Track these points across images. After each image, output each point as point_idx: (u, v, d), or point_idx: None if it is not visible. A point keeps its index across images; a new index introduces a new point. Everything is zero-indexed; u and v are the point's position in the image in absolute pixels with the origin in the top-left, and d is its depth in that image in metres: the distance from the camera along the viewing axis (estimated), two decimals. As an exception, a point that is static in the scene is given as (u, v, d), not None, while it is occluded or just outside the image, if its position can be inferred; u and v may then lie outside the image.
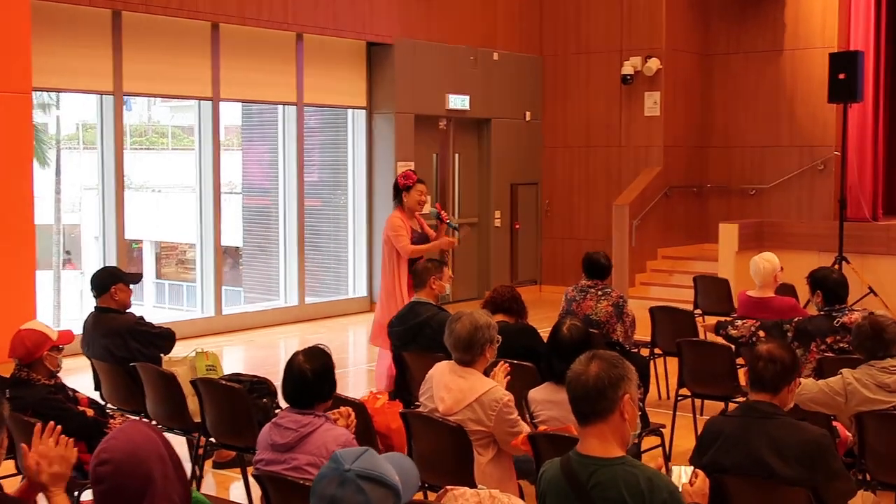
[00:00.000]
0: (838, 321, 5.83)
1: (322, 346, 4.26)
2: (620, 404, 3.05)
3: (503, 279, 14.41)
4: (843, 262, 12.07)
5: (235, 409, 5.41)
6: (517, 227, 14.71)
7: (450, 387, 4.69)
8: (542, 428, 4.58)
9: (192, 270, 16.04)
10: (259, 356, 10.66)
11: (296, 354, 4.16)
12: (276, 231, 12.75)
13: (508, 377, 4.81)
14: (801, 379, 4.06)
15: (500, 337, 4.86)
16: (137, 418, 4.39)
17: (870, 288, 12.13)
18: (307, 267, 12.56)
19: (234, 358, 10.39)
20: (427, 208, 8.02)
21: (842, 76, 12.15)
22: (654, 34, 14.06)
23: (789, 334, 5.94)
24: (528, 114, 14.74)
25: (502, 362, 4.94)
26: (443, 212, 7.99)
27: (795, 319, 6.06)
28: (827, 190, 13.77)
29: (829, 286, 5.98)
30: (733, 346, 6.44)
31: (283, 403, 4.38)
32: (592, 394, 3.04)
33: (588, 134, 14.70)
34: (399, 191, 7.76)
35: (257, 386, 5.87)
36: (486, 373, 4.84)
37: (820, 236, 12.86)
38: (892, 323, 4.78)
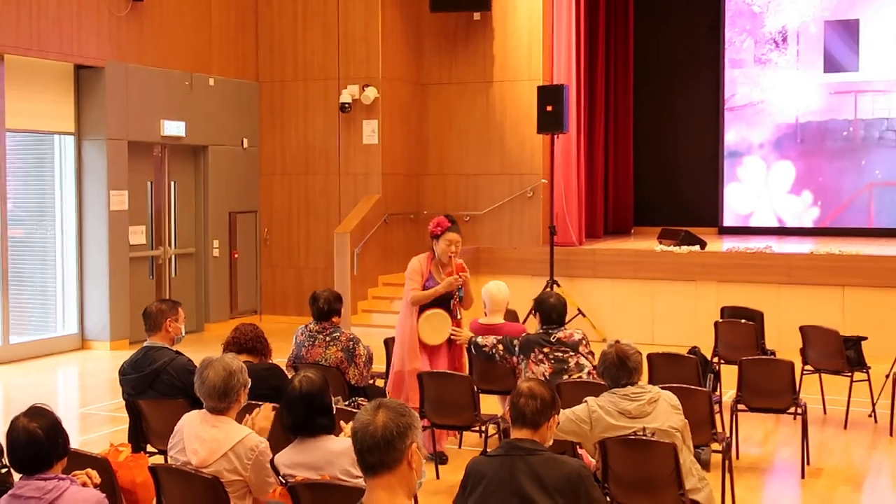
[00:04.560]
0: (554, 336, 6.61)
1: (39, 405, 3.98)
2: (408, 453, 3.00)
3: (223, 310, 14.10)
4: (555, 286, 12.70)
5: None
6: (236, 256, 14.41)
7: (203, 437, 4.49)
8: (299, 478, 4.45)
9: None
10: (-40, 404, 9.79)
11: (16, 419, 3.88)
12: (-27, 265, 11.79)
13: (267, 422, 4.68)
14: (559, 417, 4.19)
15: (250, 380, 4.73)
16: None
17: (578, 310, 12.81)
18: (11, 303, 11.69)
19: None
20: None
21: (549, 108, 12.83)
22: (370, 63, 14.24)
23: (517, 347, 6.72)
24: (245, 141, 14.51)
25: (265, 406, 4.78)
26: (459, 269, 7.27)
27: (523, 335, 6.86)
28: (536, 216, 14.44)
29: (545, 309, 6.76)
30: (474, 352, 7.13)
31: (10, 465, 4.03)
32: (381, 444, 2.97)
33: (307, 161, 14.66)
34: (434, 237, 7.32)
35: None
36: (239, 419, 4.68)
37: (532, 261, 13.48)
38: (636, 352, 5.04)
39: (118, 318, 12.33)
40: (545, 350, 6.57)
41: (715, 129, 16.88)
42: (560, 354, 6.55)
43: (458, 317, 7.41)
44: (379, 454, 2.98)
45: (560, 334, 6.61)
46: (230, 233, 14.33)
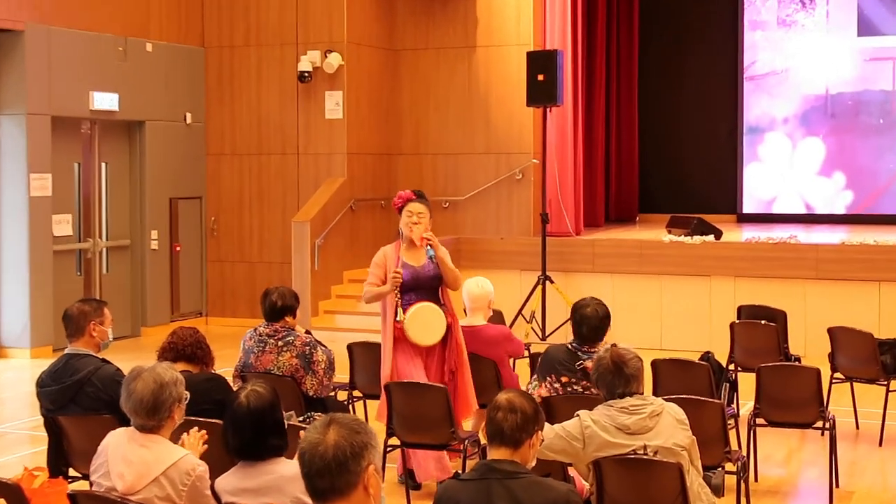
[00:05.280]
0: (581, 363, 6.15)
1: None
2: (364, 477, 2.96)
3: (162, 312, 14.05)
4: (548, 282, 12.70)
5: None
6: (177, 249, 14.36)
7: (130, 459, 4.45)
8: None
9: None
10: None
11: None
12: None
13: (205, 446, 4.64)
14: (542, 433, 4.15)
15: (188, 394, 4.69)
16: None
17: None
18: (-86, 305, 11.65)
19: None
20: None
21: (541, 77, 12.81)
22: (334, 26, 14.19)
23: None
24: (188, 115, 14.46)
25: (196, 429, 4.75)
26: (426, 237, 7.05)
27: (546, 348, 6.47)
28: (526, 201, 14.43)
29: (575, 320, 6.31)
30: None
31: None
32: (332, 467, 2.93)
33: (260, 139, 14.61)
34: None
35: None
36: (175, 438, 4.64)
37: (521, 254, 13.47)
38: (635, 357, 4.99)
39: (39, 322, 12.25)
40: (563, 379, 6.15)
41: (733, 101, 16.90)
42: (579, 388, 6.11)
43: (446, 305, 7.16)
44: (330, 478, 2.94)
45: (588, 362, 5.99)
46: (171, 222, 14.27)
